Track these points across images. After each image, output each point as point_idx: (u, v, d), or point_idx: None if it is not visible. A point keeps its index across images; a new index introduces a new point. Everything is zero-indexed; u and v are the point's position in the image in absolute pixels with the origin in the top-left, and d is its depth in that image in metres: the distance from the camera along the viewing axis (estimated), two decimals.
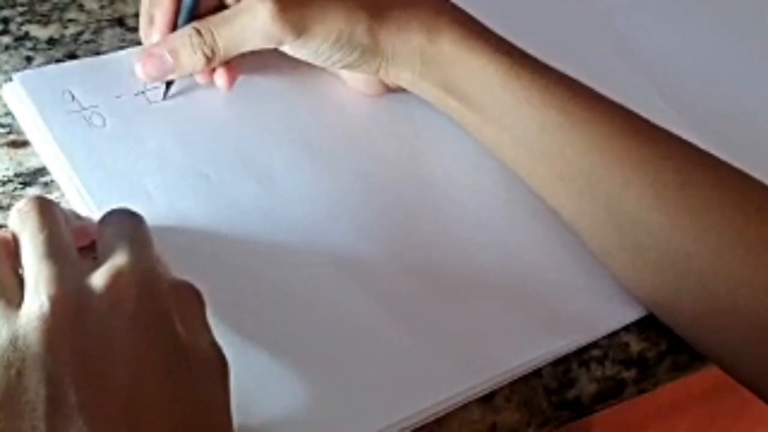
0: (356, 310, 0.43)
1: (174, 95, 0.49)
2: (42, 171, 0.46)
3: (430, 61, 0.48)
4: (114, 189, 0.45)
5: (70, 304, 0.33)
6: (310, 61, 0.49)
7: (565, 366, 0.45)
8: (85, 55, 0.52)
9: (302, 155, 0.49)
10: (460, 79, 0.47)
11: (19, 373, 0.31)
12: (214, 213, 0.45)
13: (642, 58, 0.60)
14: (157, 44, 0.48)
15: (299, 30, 0.46)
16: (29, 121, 0.47)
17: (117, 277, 0.34)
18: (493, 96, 0.47)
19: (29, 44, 0.52)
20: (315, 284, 0.44)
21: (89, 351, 0.32)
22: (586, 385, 0.45)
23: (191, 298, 0.37)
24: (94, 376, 0.32)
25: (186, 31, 0.47)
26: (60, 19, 0.54)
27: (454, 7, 0.49)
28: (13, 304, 0.34)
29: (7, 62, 0.51)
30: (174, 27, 0.48)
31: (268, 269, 0.44)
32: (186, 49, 0.47)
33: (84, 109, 0.47)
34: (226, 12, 0.47)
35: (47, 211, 0.37)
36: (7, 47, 0.51)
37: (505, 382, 0.44)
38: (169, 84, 0.49)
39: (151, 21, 0.49)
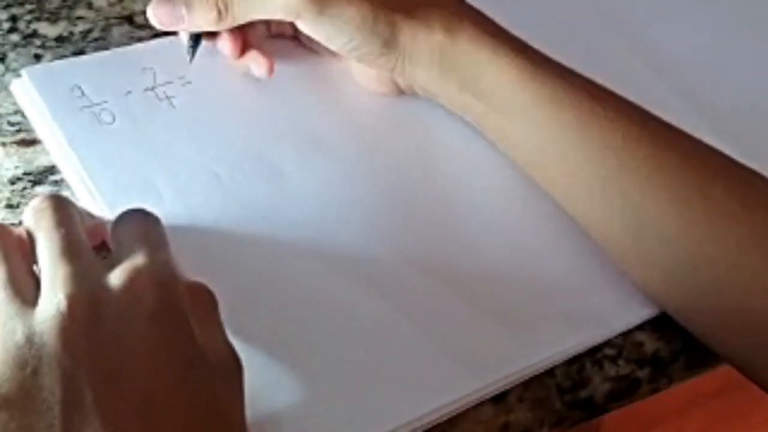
0: (368, 310, 0.43)
1: (185, 89, 0.49)
2: (52, 169, 0.46)
3: (449, 61, 0.47)
4: (123, 187, 0.44)
5: (86, 303, 0.33)
6: (325, 43, 0.47)
7: (578, 365, 0.45)
8: (94, 53, 0.52)
9: (313, 154, 0.49)
10: (480, 79, 0.47)
11: (35, 372, 0.31)
12: (225, 211, 0.45)
13: (659, 57, 0.60)
14: None
15: (321, 6, 0.45)
16: (38, 117, 0.47)
17: (135, 277, 0.34)
18: (512, 96, 0.46)
19: (38, 42, 0.52)
20: (326, 283, 0.43)
21: (106, 350, 0.32)
22: (600, 385, 0.45)
23: (206, 299, 0.36)
24: (110, 376, 0.32)
25: None
26: (68, 17, 0.54)
27: (474, 9, 0.48)
28: (29, 302, 0.33)
29: (16, 60, 0.50)
30: None
31: (279, 268, 0.44)
32: (201, 2, 0.46)
33: (93, 105, 0.47)
34: None
35: (63, 208, 0.37)
36: (15, 45, 0.51)
37: (518, 382, 0.43)
38: (195, 45, 0.48)
39: None
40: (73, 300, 0.33)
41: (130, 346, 0.33)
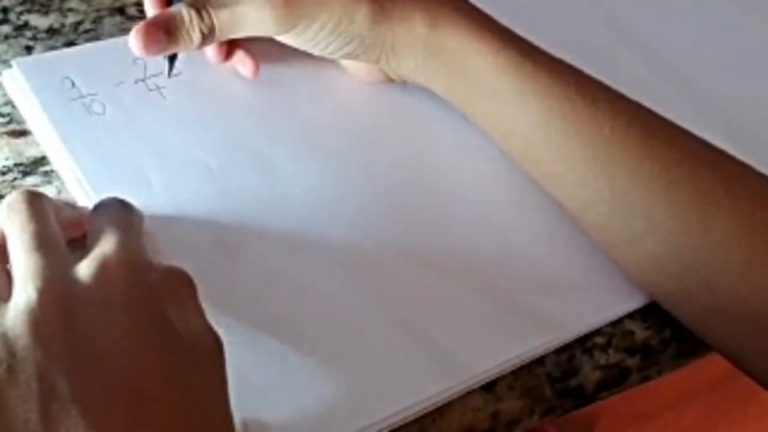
0: (357, 301, 0.43)
1: (176, 80, 0.49)
2: (42, 160, 0.46)
3: (433, 50, 0.47)
4: (114, 177, 0.44)
5: (56, 295, 0.33)
6: (308, 50, 0.48)
7: (568, 354, 0.45)
8: (85, 44, 0.52)
9: (304, 146, 0.49)
10: (466, 67, 0.47)
11: (10, 368, 0.31)
12: (215, 202, 0.45)
13: (652, 50, 0.60)
14: (153, 18, 0.46)
15: (297, 20, 0.46)
16: (29, 108, 0.47)
17: (103, 265, 0.34)
18: (499, 84, 0.46)
19: (29, 34, 0.52)
20: (315, 276, 0.43)
21: (81, 342, 0.32)
22: (590, 373, 0.45)
23: (181, 282, 0.36)
24: (87, 368, 0.31)
25: (183, 7, 0.46)
26: (60, 9, 0.54)
27: None
28: (1, 299, 0.33)
29: (6, 52, 0.50)
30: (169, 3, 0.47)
31: (267, 259, 0.44)
32: (183, 26, 0.46)
33: (84, 96, 0.47)
34: None
35: (35, 204, 0.37)
36: (6, 37, 0.51)
37: (508, 371, 0.43)
38: (172, 60, 0.48)
39: None
40: (42, 293, 0.32)
41: (105, 337, 0.32)
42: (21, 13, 0.53)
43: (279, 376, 0.40)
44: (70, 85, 0.48)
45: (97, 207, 0.39)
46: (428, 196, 0.49)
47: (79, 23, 0.53)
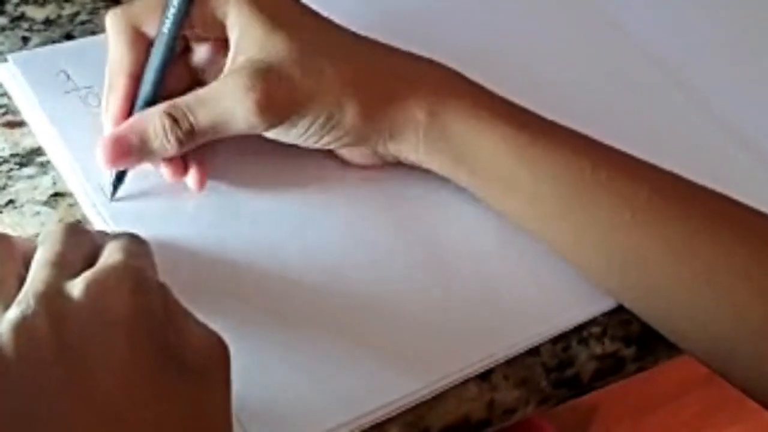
0: (353, 287, 0.43)
1: None
2: (38, 151, 0.46)
3: (434, 138, 0.44)
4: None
5: (49, 306, 0.32)
6: (300, 144, 0.44)
7: (564, 343, 0.45)
8: (82, 36, 0.52)
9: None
10: (472, 154, 0.44)
11: None
12: (207, 190, 0.45)
13: (659, 56, 0.59)
14: (121, 128, 0.42)
15: (284, 116, 0.42)
16: (24, 101, 0.47)
17: (99, 281, 0.33)
18: (509, 170, 0.44)
19: (25, 25, 0.52)
20: (301, 276, 0.43)
21: (68, 355, 0.31)
22: (586, 363, 0.45)
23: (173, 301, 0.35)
24: (76, 384, 0.31)
25: (156, 115, 0.42)
26: (56, 0, 0.54)
27: (458, 75, 0.46)
28: (6, 305, 0.33)
29: (2, 43, 0.50)
30: (129, 112, 0.43)
31: (255, 260, 0.43)
32: (157, 134, 0.42)
33: (79, 89, 0.47)
34: (202, 93, 0.42)
35: (73, 234, 0.37)
36: (3, 28, 0.51)
37: (503, 360, 0.43)
38: (120, 178, 0.43)
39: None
40: (36, 303, 0.32)
41: (98, 353, 0.31)
42: (18, 5, 0.53)
43: (272, 366, 0.40)
44: (65, 77, 0.48)
45: (108, 237, 0.38)
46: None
47: (75, 14, 0.53)
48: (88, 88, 0.47)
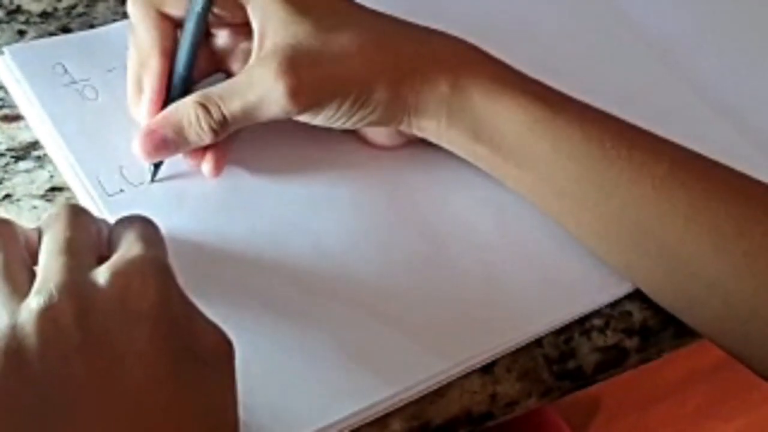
0: (356, 279, 0.43)
1: None
2: (35, 145, 0.46)
3: (457, 111, 0.44)
4: (106, 162, 0.44)
5: (72, 295, 0.32)
6: (329, 126, 0.45)
7: (566, 335, 0.45)
8: (79, 29, 0.51)
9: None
10: (493, 129, 0.44)
11: (18, 360, 0.30)
12: (205, 184, 0.45)
13: (674, 56, 0.59)
14: (156, 121, 0.43)
15: (316, 102, 0.43)
16: (21, 94, 0.47)
17: (122, 271, 0.33)
18: (528, 146, 0.44)
19: (22, 18, 0.51)
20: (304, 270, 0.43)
21: (91, 345, 0.31)
22: (588, 355, 0.44)
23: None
24: (98, 375, 0.31)
25: (189, 106, 0.43)
26: None
27: (478, 50, 0.45)
28: (20, 293, 0.33)
29: None
30: (166, 96, 0.44)
31: (256, 252, 0.43)
32: (192, 125, 0.43)
33: (76, 82, 0.47)
34: (233, 83, 0.43)
35: (76, 216, 0.36)
36: None
37: (506, 353, 0.43)
38: (157, 166, 0.44)
39: (140, 89, 0.44)
40: (58, 293, 0.32)
41: (120, 344, 0.31)
42: None
43: (273, 358, 0.40)
44: (62, 70, 0.47)
45: (119, 221, 0.38)
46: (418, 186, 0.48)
47: (72, 7, 0.53)
48: (86, 81, 0.47)
